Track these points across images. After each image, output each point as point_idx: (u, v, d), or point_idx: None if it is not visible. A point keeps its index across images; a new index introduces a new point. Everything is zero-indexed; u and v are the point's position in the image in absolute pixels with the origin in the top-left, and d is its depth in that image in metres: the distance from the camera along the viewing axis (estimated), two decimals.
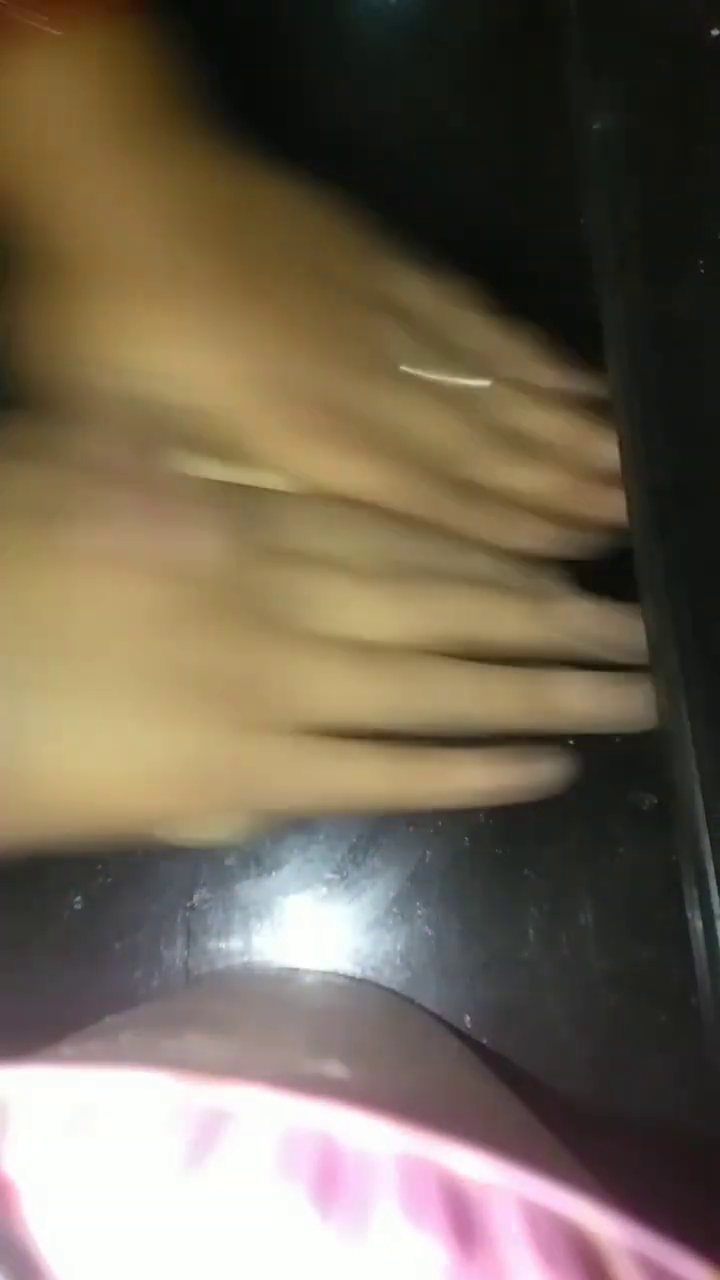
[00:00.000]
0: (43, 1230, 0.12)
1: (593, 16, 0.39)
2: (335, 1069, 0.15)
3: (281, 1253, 0.11)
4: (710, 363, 0.34)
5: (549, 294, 0.35)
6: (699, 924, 0.28)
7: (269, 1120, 0.12)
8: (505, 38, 0.40)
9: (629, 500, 0.32)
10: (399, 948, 0.28)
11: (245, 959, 0.28)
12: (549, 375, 0.29)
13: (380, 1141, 0.12)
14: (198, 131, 0.28)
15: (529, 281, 0.35)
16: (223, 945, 0.28)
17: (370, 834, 0.29)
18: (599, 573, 0.31)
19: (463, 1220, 0.11)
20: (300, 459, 0.25)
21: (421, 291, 0.29)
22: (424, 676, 0.25)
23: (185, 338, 0.25)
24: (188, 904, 0.28)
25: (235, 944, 0.28)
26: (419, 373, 0.26)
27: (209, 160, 0.28)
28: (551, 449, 0.27)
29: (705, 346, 0.34)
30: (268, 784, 0.24)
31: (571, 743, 0.30)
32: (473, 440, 0.26)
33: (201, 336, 0.25)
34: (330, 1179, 0.11)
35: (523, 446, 0.27)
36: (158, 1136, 0.12)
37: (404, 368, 0.26)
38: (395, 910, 0.28)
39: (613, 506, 0.28)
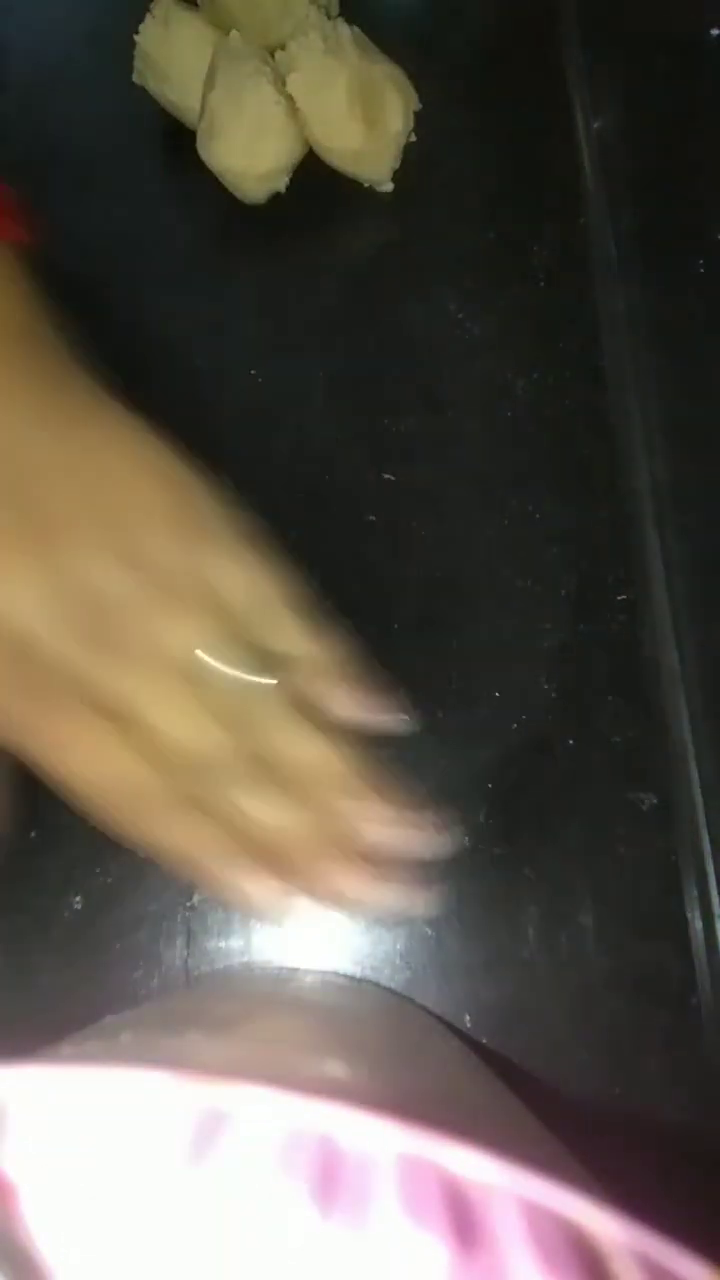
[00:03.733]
0: (43, 1230, 0.12)
1: (593, 17, 0.39)
2: (335, 1069, 0.15)
3: (283, 1251, 0.11)
4: (710, 363, 0.34)
5: (549, 293, 0.35)
6: (699, 924, 0.28)
7: (269, 1120, 0.12)
8: (505, 38, 0.40)
9: (629, 500, 0.32)
10: (399, 948, 0.28)
11: (245, 959, 0.28)
12: (340, 696, 0.26)
13: (380, 1141, 0.12)
14: (56, 379, 0.26)
15: (530, 281, 0.35)
16: (223, 945, 0.28)
17: None
18: (599, 572, 0.31)
19: (463, 1219, 0.11)
20: (17, 737, 0.24)
21: (237, 579, 0.26)
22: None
23: None
24: (188, 904, 0.28)
25: (235, 944, 0.28)
26: (210, 662, 0.24)
27: (47, 411, 0.26)
28: (305, 788, 0.25)
29: (705, 346, 0.34)
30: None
31: (571, 743, 0.30)
32: (229, 759, 0.24)
33: None
34: (331, 1178, 0.11)
35: (275, 779, 0.25)
36: (158, 1136, 0.12)
37: (197, 654, 0.24)
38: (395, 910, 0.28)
39: (344, 876, 0.25)
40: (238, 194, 0.36)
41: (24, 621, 0.23)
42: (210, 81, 0.34)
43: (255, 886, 0.24)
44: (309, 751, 0.25)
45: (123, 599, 0.24)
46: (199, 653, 0.24)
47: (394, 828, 0.25)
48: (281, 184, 0.35)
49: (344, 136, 0.34)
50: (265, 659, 0.25)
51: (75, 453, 0.26)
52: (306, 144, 0.35)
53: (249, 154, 0.34)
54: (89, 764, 0.24)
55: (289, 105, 0.34)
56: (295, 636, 0.26)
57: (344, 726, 0.26)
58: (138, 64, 0.36)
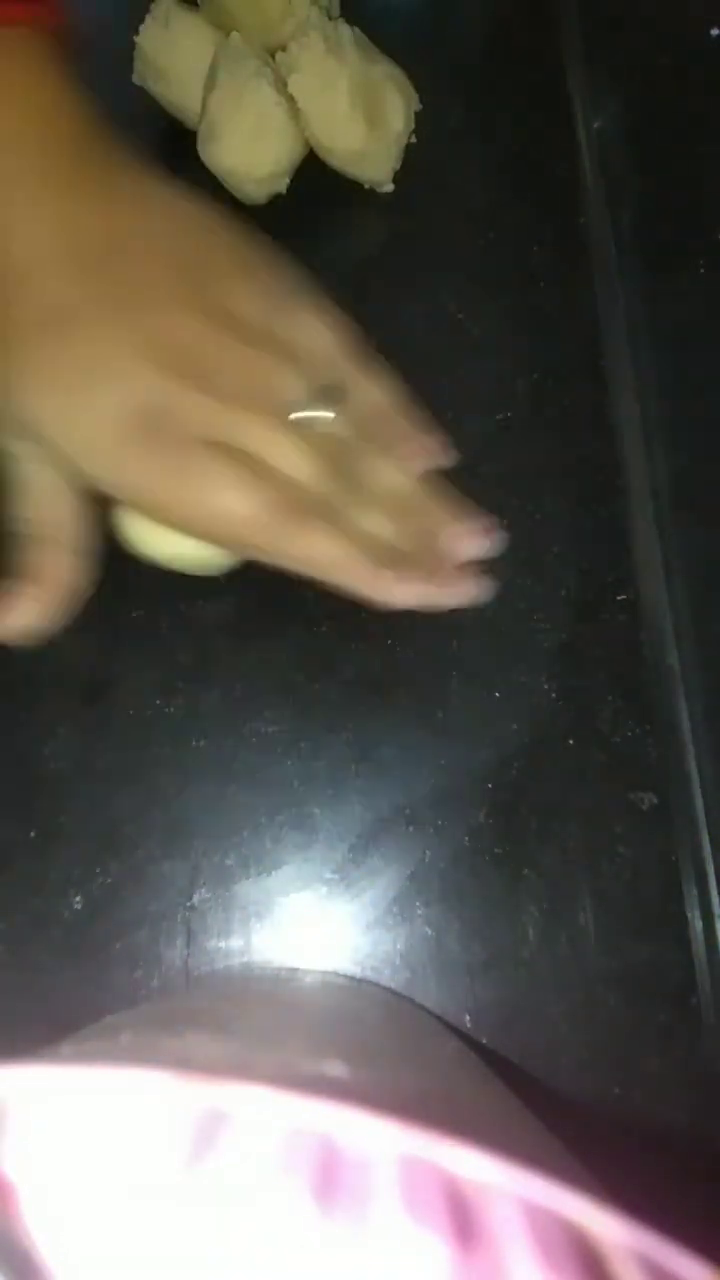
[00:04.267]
0: (43, 1230, 0.12)
1: (593, 17, 0.39)
2: (335, 1069, 0.15)
3: (283, 1251, 0.11)
4: (710, 363, 0.34)
5: (549, 294, 0.35)
6: (699, 924, 0.28)
7: (270, 1119, 0.12)
8: (505, 38, 0.40)
9: (629, 500, 0.32)
10: (399, 947, 0.28)
11: (245, 959, 0.28)
12: (412, 437, 0.30)
13: (381, 1141, 0.12)
14: (102, 154, 0.28)
15: (529, 281, 0.35)
16: (223, 945, 0.28)
17: (370, 834, 0.29)
18: (599, 572, 0.31)
19: (463, 1219, 0.11)
20: (159, 496, 0.26)
21: (315, 334, 0.29)
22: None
23: (53, 378, 0.26)
24: (188, 904, 0.28)
25: (235, 944, 0.28)
26: (299, 414, 0.27)
27: (106, 186, 0.28)
28: (397, 509, 0.29)
29: (705, 346, 0.34)
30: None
31: (571, 742, 0.30)
32: (329, 487, 0.27)
33: (69, 377, 0.26)
34: (331, 1178, 0.11)
35: (373, 500, 0.28)
36: (158, 1136, 0.12)
37: (286, 410, 0.27)
38: (395, 910, 0.28)
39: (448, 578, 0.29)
40: (238, 195, 0.36)
41: (142, 384, 0.26)
42: (211, 82, 0.34)
43: (395, 583, 0.27)
44: (396, 479, 0.29)
45: (218, 356, 0.27)
46: (295, 400, 0.27)
47: (466, 534, 0.29)
48: (282, 185, 0.35)
49: (345, 137, 0.34)
50: (344, 404, 0.28)
51: (147, 222, 0.28)
52: (307, 145, 0.35)
53: (249, 155, 0.34)
54: (229, 501, 0.26)
55: (290, 106, 0.34)
56: (368, 383, 0.30)
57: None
58: (138, 64, 0.36)
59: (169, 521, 0.27)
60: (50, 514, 0.28)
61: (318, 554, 0.27)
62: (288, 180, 0.35)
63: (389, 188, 0.36)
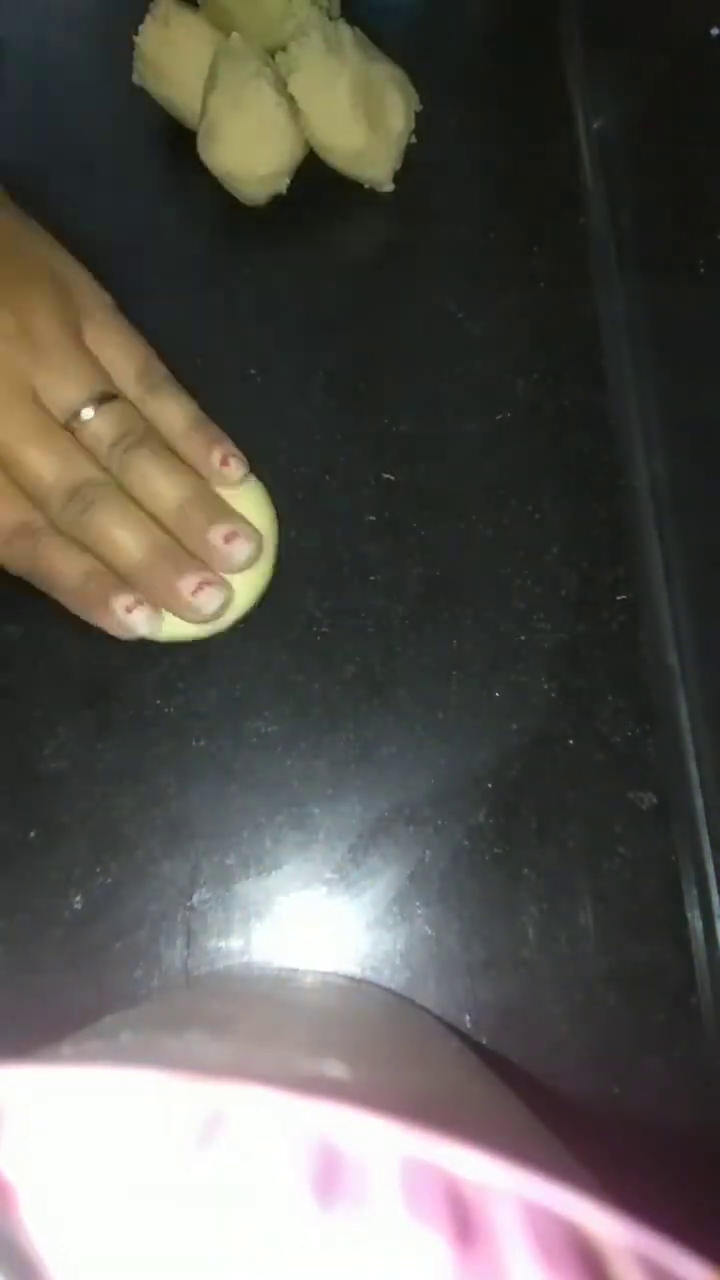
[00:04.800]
0: (43, 1230, 0.12)
1: (593, 17, 0.39)
2: (335, 1068, 0.15)
3: (283, 1250, 0.11)
4: (710, 363, 0.34)
5: (549, 294, 0.35)
6: (699, 924, 0.28)
7: (269, 1119, 0.12)
8: (505, 38, 0.40)
9: (629, 500, 0.32)
10: (399, 947, 0.28)
11: (245, 958, 0.28)
12: (195, 445, 0.31)
13: (380, 1141, 0.12)
14: None
15: (529, 281, 0.35)
16: (223, 945, 0.28)
17: (370, 834, 0.29)
18: (599, 572, 0.31)
19: (463, 1219, 0.11)
20: None
21: (114, 350, 0.31)
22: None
23: None
24: (188, 904, 0.28)
25: (235, 944, 0.28)
26: (87, 414, 0.29)
27: None
28: (164, 513, 0.30)
29: (705, 346, 0.34)
30: None
31: (571, 742, 0.30)
32: (99, 488, 0.29)
33: None
34: (330, 1178, 0.11)
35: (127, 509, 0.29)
36: (158, 1136, 0.12)
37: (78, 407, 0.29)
38: (395, 910, 0.28)
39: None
40: (238, 195, 0.36)
41: None
42: (211, 83, 0.34)
43: (127, 606, 0.28)
44: (167, 480, 0.29)
45: (7, 360, 0.29)
46: (81, 406, 0.29)
47: (233, 538, 0.29)
48: (282, 185, 0.35)
49: (346, 137, 0.34)
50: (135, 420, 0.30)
51: None
52: (307, 145, 0.35)
53: (250, 156, 0.34)
54: None
55: (290, 106, 0.34)
56: (163, 399, 0.31)
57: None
58: (138, 65, 0.36)
59: None
60: None
61: (48, 571, 0.29)
62: (288, 180, 0.35)
63: (389, 188, 0.36)
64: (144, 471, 0.29)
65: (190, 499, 0.29)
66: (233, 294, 0.35)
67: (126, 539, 0.28)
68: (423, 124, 0.36)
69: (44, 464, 0.28)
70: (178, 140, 0.37)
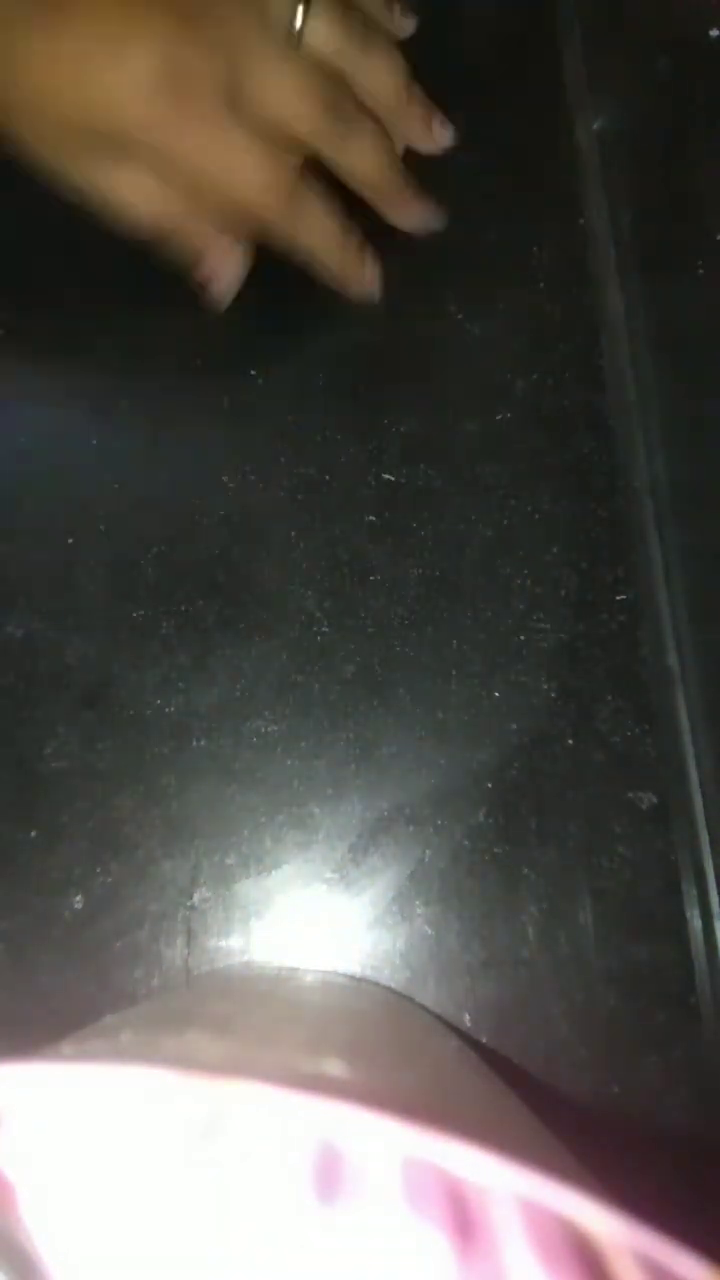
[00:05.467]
0: (43, 1230, 0.12)
1: (592, 17, 0.39)
2: (335, 1068, 0.15)
3: (283, 1250, 0.11)
4: (710, 363, 0.34)
5: (549, 293, 0.35)
6: (698, 923, 0.28)
7: (270, 1118, 0.12)
8: (505, 38, 0.40)
9: (629, 500, 0.32)
10: (398, 947, 0.28)
11: (245, 958, 0.28)
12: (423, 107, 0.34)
13: (380, 1140, 0.12)
14: None
15: (529, 281, 0.35)
16: (223, 944, 0.28)
17: (370, 833, 0.29)
18: (599, 572, 0.31)
19: (463, 1218, 0.11)
20: (188, 150, 0.28)
21: None
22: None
23: (71, 53, 0.27)
24: (188, 903, 0.28)
25: (235, 943, 0.28)
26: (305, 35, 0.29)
27: None
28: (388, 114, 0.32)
29: (705, 346, 0.34)
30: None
31: (571, 743, 0.30)
32: (324, 126, 0.29)
33: (83, 43, 0.27)
34: (330, 1177, 0.11)
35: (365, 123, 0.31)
36: (158, 1134, 0.12)
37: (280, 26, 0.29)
38: (395, 909, 0.28)
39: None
40: None
41: (161, 39, 0.27)
42: None
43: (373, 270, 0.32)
44: (385, 80, 0.31)
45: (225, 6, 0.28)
46: (290, 13, 0.29)
47: (445, 124, 0.34)
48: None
49: None
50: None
51: None
52: None
53: None
54: (250, 173, 0.29)
55: None
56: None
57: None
58: None
59: (193, 175, 0.29)
60: (155, 206, 0.30)
61: (315, 235, 0.30)
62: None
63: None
64: (375, 65, 0.31)
65: (412, 87, 0.32)
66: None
67: (387, 163, 0.31)
68: None
69: (301, 93, 0.28)
70: None
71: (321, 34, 0.29)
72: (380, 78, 0.31)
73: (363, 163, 0.31)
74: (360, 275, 0.32)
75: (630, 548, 0.32)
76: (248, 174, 0.28)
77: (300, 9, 0.28)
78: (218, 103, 0.27)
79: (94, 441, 0.33)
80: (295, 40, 0.29)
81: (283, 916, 0.28)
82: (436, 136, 0.33)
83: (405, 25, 0.34)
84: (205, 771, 0.29)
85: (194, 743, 0.30)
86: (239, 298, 0.35)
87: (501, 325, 0.35)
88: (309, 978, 0.27)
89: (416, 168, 0.36)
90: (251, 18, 0.28)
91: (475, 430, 0.33)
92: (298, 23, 0.29)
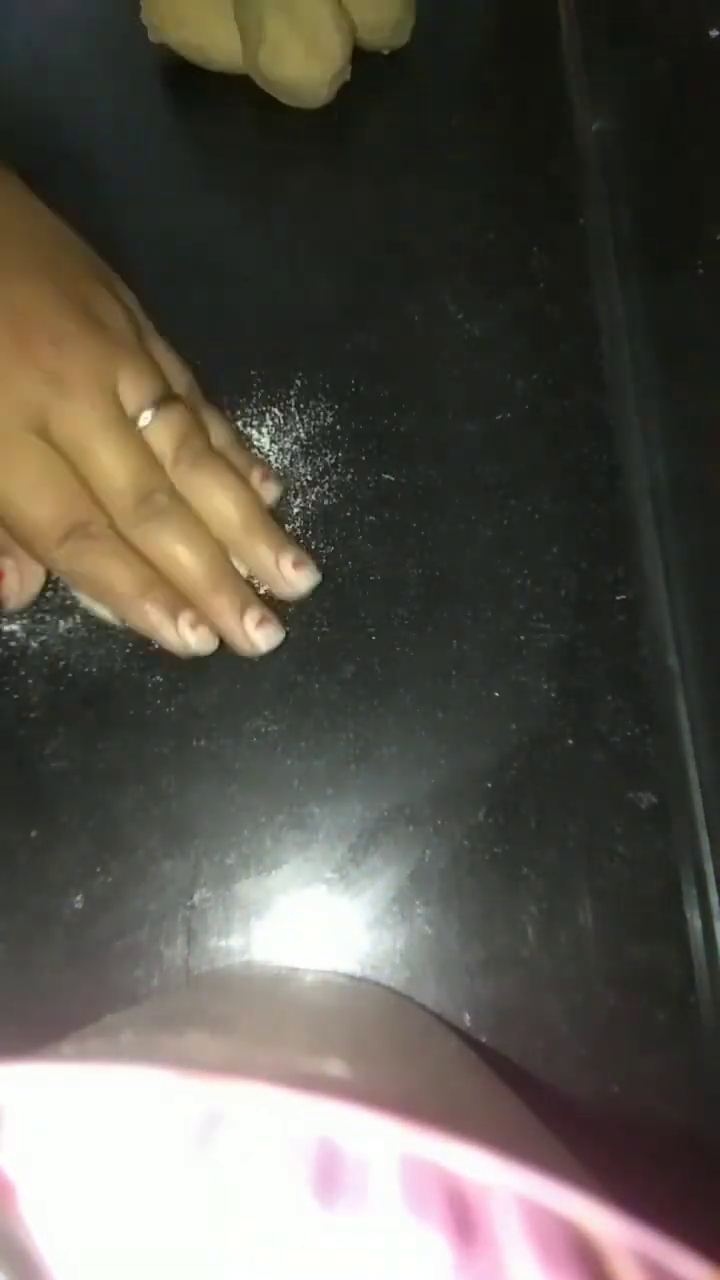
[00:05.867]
0: (43, 1229, 0.12)
1: (592, 17, 0.39)
2: (335, 1067, 0.15)
3: (283, 1249, 0.11)
4: (710, 363, 0.34)
5: (549, 294, 0.35)
6: (698, 923, 0.28)
7: (270, 1118, 0.12)
8: (505, 38, 0.40)
9: (629, 500, 0.33)
10: (398, 947, 0.28)
11: (245, 958, 0.28)
12: (255, 465, 0.31)
13: (380, 1140, 0.12)
14: None
15: (529, 281, 0.35)
16: (223, 944, 0.28)
17: (370, 833, 0.29)
18: (599, 572, 0.31)
19: (463, 1218, 0.11)
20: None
21: (165, 356, 0.30)
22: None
23: None
24: (188, 903, 0.28)
25: (235, 943, 0.28)
26: (150, 414, 0.28)
27: None
28: (220, 525, 0.29)
29: (705, 347, 0.34)
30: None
31: (571, 743, 0.30)
32: (164, 497, 0.28)
33: None
34: (330, 1177, 0.11)
35: (189, 523, 0.28)
36: (158, 1134, 0.12)
37: (144, 405, 0.28)
38: (395, 909, 0.28)
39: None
40: (309, 104, 0.37)
41: None
42: (258, 9, 0.35)
43: (190, 623, 0.28)
44: (233, 497, 0.28)
45: (76, 336, 0.27)
46: (146, 405, 0.28)
47: (300, 566, 0.29)
48: (347, 73, 0.36)
49: (387, 8, 0.37)
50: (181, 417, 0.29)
51: (8, 211, 0.29)
52: (354, 30, 0.36)
53: (320, 59, 0.35)
54: (43, 498, 0.26)
55: (336, 3, 0.35)
56: (209, 414, 0.30)
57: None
58: (151, 20, 0.37)
59: None
60: None
61: (92, 581, 0.27)
62: (349, 67, 0.36)
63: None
64: (208, 484, 0.28)
65: (255, 520, 0.29)
66: (233, 295, 0.35)
67: (191, 558, 0.28)
68: (423, 123, 0.36)
69: (120, 463, 0.27)
70: (203, 85, 0.36)
71: (161, 435, 0.28)
72: (213, 503, 0.28)
73: (158, 552, 0.28)
74: (164, 635, 0.28)
75: (630, 548, 0.32)
76: (19, 494, 0.26)
77: (150, 413, 0.28)
78: (15, 422, 0.26)
79: None
80: (128, 427, 0.27)
81: (283, 916, 0.28)
82: (286, 575, 0.29)
83: (267, 491, 0.31)
84: (205, 771, 0.29)
85: (194, 743, 0.30)
86: (239, 299, 0.35)
87: (501, 325, 0.35)
88: (309, 978, 0.27)
89: (419, 162, 0.36)
90: (98, 379, 0.27)
91: (475, 430, 0.33)
92: (145, 419, 0.28)
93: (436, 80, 0.37)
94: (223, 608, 0.28)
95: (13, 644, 0.30)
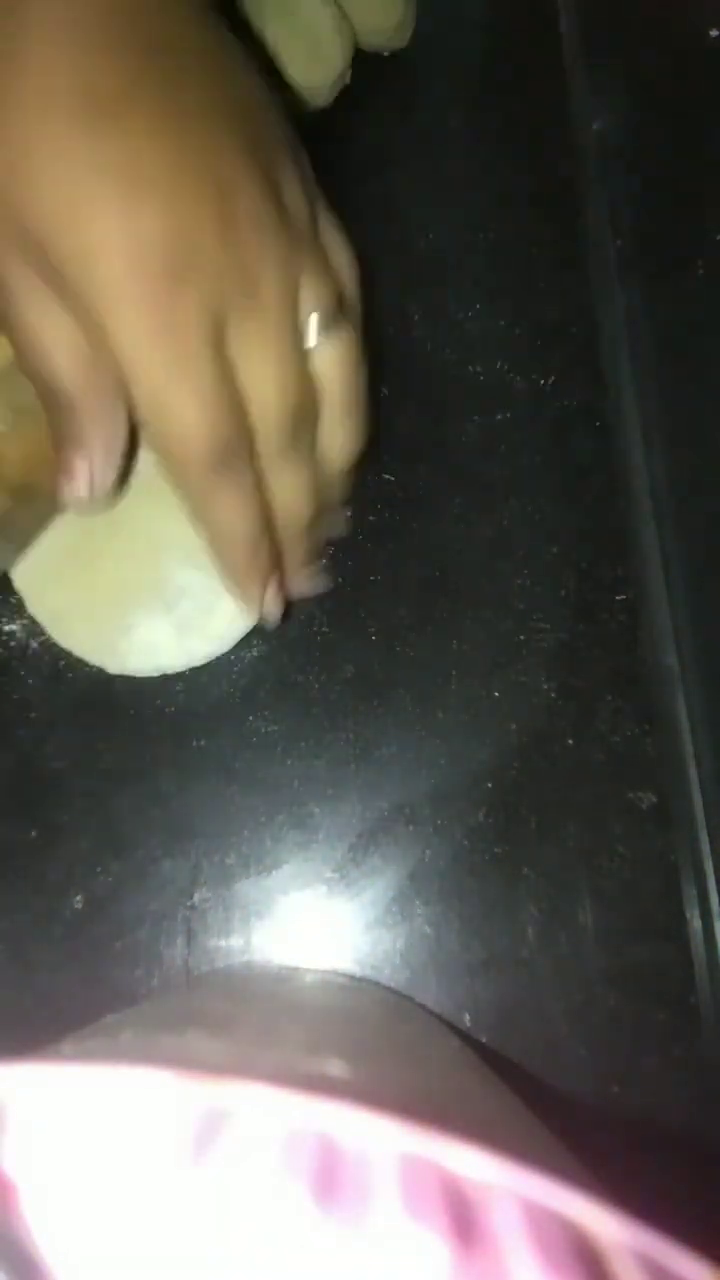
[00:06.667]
0: (43, 1230, 0.12)
1: (592, 17, 0.39)
2: (335, 1067, 0.15)
3: (283, 1249, 0.11)
4: (710, 363, 0.34)
5: (549, 294, 0.35)
6: (698, 923, 0.28)
7: (270, 1118, 0.12)
8: (505, 38, 0.40)
9: (629, 500, 0.33)
10: (399, 947, 0.28)
11: (245, 958, 0.28)
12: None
13: (380, 1140, 0.12)
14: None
15: (529, 281, 0.35)
16: (223, 944, 0.28)
17: (370, 833, 0.29)
18: (599, 572, 0.31)
19: (463, 1218, 0.11)
20: (142, 365, 0.22)
21: (341, 255, 0.26)
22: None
23: (75, 176, 0.21)
24: (188, 903, 0.28)
25: (235, 943, 0.28)
26: (316, 325, 0.24)
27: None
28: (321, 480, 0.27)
29: (705, 347, 0.34)
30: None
31: (571, 742, 0.30)
32: (281, 437, 0.25)
33: (99, 181, 0.21)
34: (331, 1177, 0.11)
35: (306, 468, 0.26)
36: (158, 1134, 0.12)
37: (313, 314, 0.24)
38: (395, 909, 0.28)
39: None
40: (312, 105, 0.37)
41: (188, 216, 0.21)
42: (261, 15, 0.35)
43: (262, 585, 0.26)
44: (338, 449, 0.26)
45: (262, 234, 0.22)
46: (318, 318, 0.24)
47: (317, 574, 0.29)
48: (347, 76, 0.36)
49: (387, 14, 0.37)
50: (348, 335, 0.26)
51: (211, 59, 0.23)
52: (354, 34, 0.36)
53: (321, 63, 0.35)
54: (209, 419, 0.23)
55: (335, 6, 0.35)
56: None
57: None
58: None
59: (136, 377, 0.23)
60: (75, 374, 0.23)
61: (224, 520, 0.25)
62: (350, 68, 0.36)
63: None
64: (306, 477, 0.26)
65: (317, 519, 0.27)
66: None
67: (306, 514, 0.26)
68: (423, 123, 0.36)
69: (282, 398, 0.24)
70: None
71: (325, 362, 0.25)
72: (286, 495, 0.26)
73: (281, 496, 0.25)
74: (253, 593, 0.26)
75: (630, 548, 0.32)
76: (188, 405, 0.22)
77: (318, 331, 0.24)
78: (203, 319, 0.22)
79: None
80: (300, 346, 0.24)
81: (283, 916, 0.28)
82: (299, 581, 0.28)
83: (335, 523, 0.29)
84: (205, 771, 0.29)
85: (194, 743, 0.30)
86: None
87: (501, 325, 0.35)
88: (309, 978, 0.27)
89: (419, 162, 0.36)
90: (285, 285, 0.23)
91: (475, 430, 0.33)
92: (311, 339, 0.24)
93: (436, 81, 0.37)
94: (299, 558, 0.27)
95: (13, 644, 0.30)
